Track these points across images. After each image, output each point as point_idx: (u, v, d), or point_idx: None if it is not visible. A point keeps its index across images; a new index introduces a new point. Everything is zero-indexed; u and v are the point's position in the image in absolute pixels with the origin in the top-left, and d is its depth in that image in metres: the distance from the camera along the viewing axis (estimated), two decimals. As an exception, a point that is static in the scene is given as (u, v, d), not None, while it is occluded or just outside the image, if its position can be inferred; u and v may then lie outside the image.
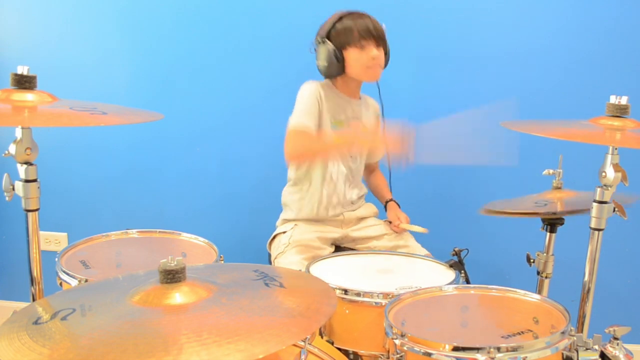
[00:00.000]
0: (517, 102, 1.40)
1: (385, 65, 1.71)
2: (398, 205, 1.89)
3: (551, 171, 1.61)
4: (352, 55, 1.65)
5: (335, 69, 1.68)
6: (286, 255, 1.68)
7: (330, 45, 1.65)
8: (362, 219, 1.87)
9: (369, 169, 1.97)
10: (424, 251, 1.75)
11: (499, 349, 0.96)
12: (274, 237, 1.82)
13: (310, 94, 1.69)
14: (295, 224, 1.77)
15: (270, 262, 1.80)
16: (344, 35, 1.64)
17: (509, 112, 1.44)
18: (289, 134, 1.64)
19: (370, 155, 1.92)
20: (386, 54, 1.70)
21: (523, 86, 2.11)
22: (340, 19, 1.66)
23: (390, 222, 1.85)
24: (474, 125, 1.42)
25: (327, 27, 1.67)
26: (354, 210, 1.84)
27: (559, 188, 1.62)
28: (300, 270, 1.53)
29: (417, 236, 1.83)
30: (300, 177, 1.80)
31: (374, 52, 1.65)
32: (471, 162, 1.49)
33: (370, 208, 1.90)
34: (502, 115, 1.41)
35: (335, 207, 1.78)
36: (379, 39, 1.66)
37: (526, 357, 0.97)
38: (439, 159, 1.50)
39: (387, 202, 1.91)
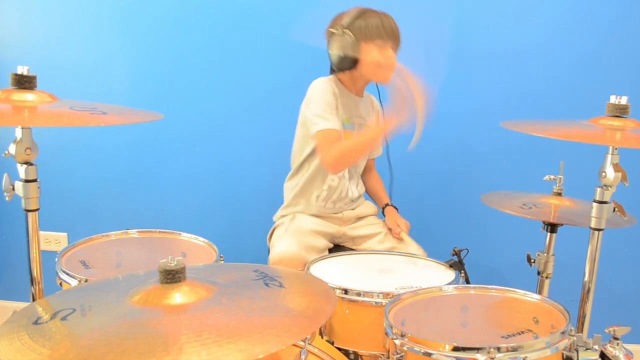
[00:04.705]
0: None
1: None
2: (396, 209, 1.87)
3: (552, 177, 1.61)
4: (369, 52, 1.61)
5: (349, 62, 1.62)
6: (281, 241, 1.69)
7: (350, 36, 1.59)
8: (360, 217, 1.86)
9: (367, 167, 1.96)
10: (421, 251, 1.72)
11: (499, 349, 0.96)
12: (273, 230, 1.82)
13: (327, 92, 1.66)
14: (294, 216, 1.78)
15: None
16: (366, 29, 1.59)
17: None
18: (321, 142, 1.62)
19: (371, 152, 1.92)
20: None
21: (523, 86, 2.11)
22: (364, 13, 1.61)
23: (390, 229, 1.82)
24: None
25: (349, 19, 1.61)
26: (353, 209, 1.85)
27: (559, 194, 1.62)
28: (292, 250, 1.58)
29: (416, 236, 1.82)
30: (303, 168, 1.79)
31: (391, 53, 1.62)
32: None
33: (369, 207, 1.89)
34: None
35: (335, 202, 1.78)
36: (397, 42, 1.64)
37: (526, 357, 0.97)
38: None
39: (384, 206, 1.89)
